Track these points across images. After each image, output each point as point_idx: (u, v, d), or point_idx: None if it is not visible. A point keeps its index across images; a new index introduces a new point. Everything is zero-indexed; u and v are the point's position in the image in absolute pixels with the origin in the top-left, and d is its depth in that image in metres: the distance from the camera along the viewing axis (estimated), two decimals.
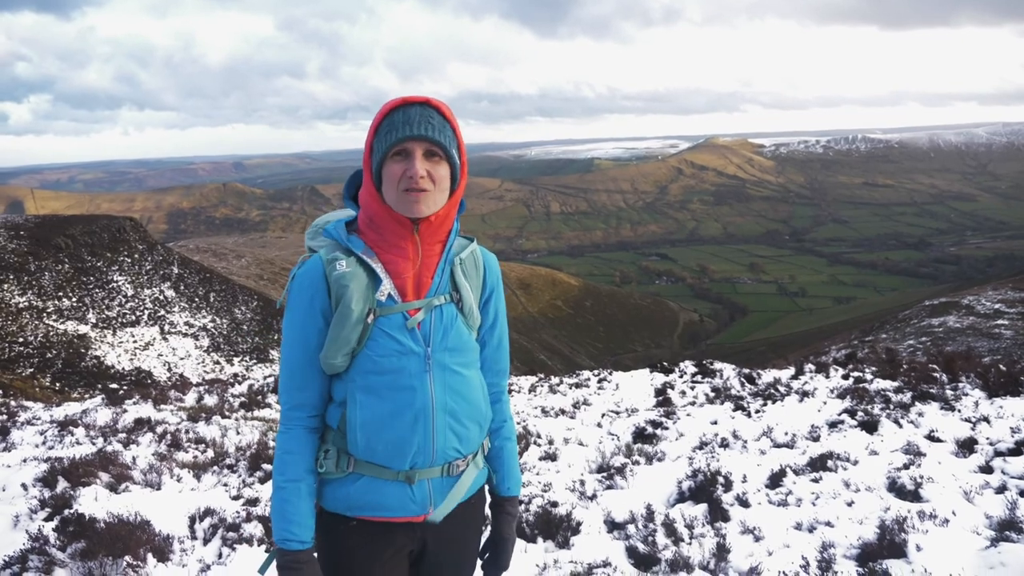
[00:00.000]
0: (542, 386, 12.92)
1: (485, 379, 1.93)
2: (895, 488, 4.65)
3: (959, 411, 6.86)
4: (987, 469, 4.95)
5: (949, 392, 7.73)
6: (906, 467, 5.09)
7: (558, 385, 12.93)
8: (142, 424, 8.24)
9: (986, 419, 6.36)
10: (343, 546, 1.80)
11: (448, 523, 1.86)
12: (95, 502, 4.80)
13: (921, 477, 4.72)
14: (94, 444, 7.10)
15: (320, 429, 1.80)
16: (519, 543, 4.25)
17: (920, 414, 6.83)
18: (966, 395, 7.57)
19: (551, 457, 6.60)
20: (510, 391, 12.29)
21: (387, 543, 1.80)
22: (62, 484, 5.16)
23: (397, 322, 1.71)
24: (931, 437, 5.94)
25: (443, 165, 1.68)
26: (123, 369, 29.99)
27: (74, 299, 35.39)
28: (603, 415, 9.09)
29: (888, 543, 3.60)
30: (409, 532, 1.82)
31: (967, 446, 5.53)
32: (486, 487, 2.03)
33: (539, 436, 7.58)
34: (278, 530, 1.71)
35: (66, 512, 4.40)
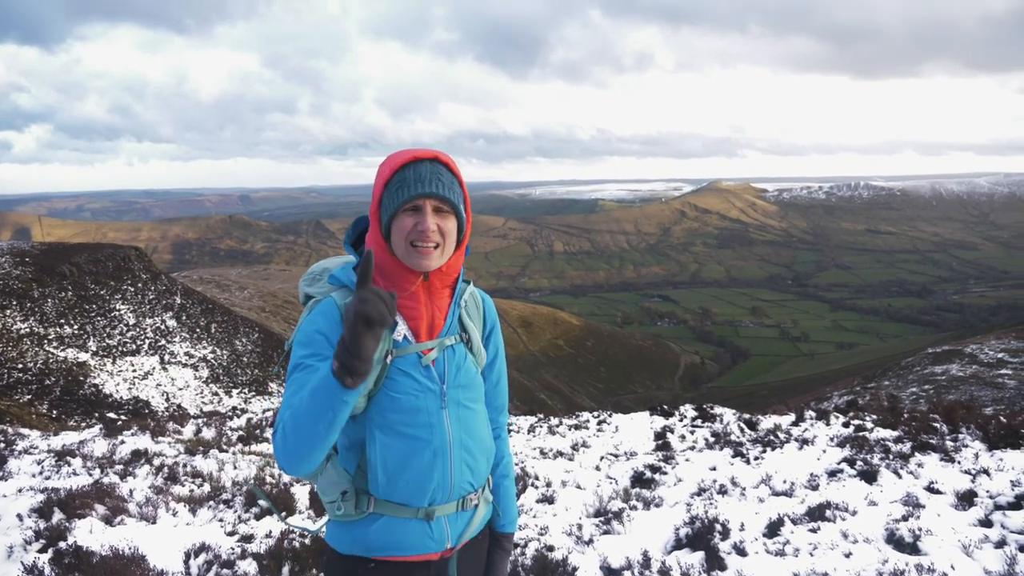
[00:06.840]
0: (541, 427, 12.86)
1: None
2: (893, 540, 4.63)
3: (959, 463, 6.83)
4: (986, 523, 4.92)
5: (949, 443, 7.69)
6: (905, 519, 5.06)
7: (557, 426, 12.86)
8: (139, 456, 8.22)
9: (986, 471, 6.34)
10: None
11: (460, 562, 1.88)
12: (90, 534, 4.79)
13: (920, 529, 4.69)
14: (91, 475, 7.07)
15: None
16: None
17: (920, 465, 6.80)
18: (966, 446, 7.54)
19: (548, 500, 6.56)
20: (509, 431, 12.22)
21: None
22: (57, 515, 5.15)
23: (412, 361, 1.75)
24: (930, 489, 5.91)
25: (451, 219, 1.75)
26: (121, 398, 29.86)
27: (75, 327, 35.43)
28: (602, 458, 9.04)
29: None
30: (425, 571, 1.82)
31: (967, 499, 5.50)
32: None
33: (537, 478, 7.54)
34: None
35: (61, 544, 4.39)
